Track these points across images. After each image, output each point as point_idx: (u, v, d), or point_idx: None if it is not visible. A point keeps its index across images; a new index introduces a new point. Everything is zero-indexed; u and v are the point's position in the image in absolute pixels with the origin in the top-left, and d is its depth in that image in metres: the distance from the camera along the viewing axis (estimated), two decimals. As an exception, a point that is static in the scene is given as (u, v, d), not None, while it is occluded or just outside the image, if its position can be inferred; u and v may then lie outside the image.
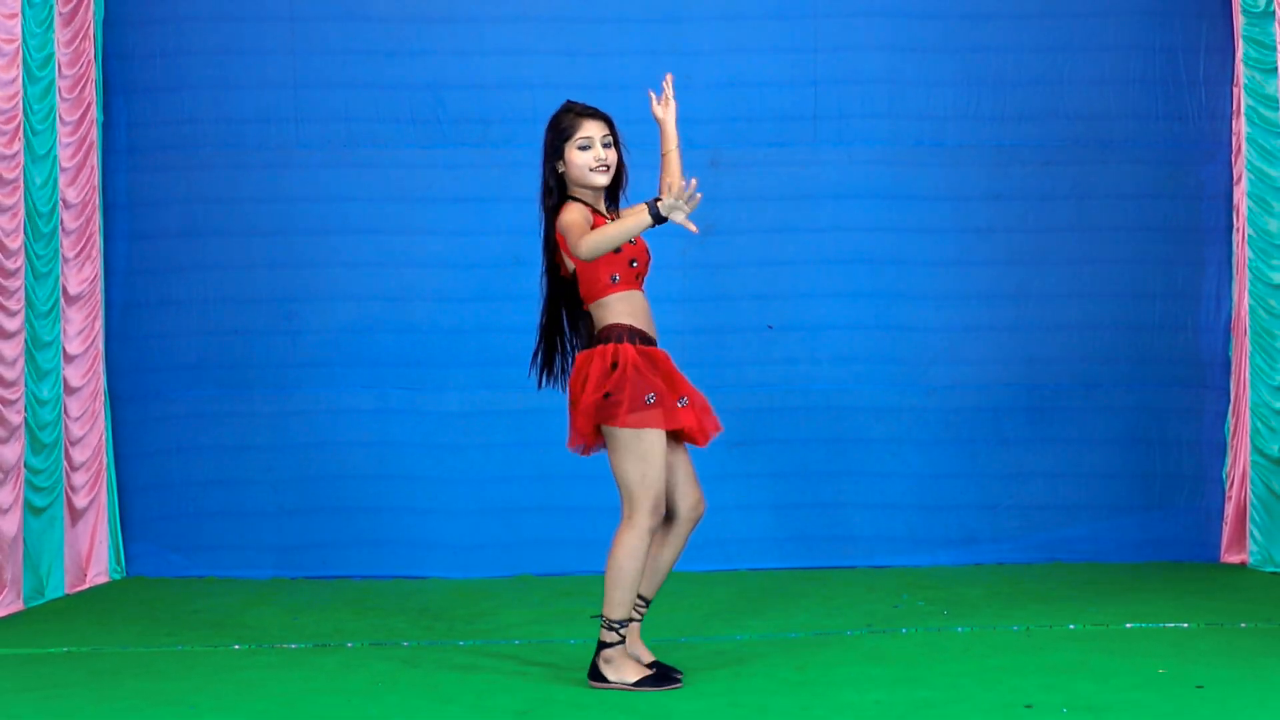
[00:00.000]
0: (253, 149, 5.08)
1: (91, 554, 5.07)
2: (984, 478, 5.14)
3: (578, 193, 3.57)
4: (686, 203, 3.30)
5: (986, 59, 5.14)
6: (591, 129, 3.53)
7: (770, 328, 5.12)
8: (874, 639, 4.11)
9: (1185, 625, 4.18)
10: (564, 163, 3.54)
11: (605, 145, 3.54)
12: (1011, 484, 5.14)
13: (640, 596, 3.57)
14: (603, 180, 3.52)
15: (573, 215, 3.47)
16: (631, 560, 3.43)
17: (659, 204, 3.33)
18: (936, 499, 5.15)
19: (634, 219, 3.36)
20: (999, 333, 5.16)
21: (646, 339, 3.51)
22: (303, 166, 5.08)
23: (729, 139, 5.13)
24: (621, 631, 3.49)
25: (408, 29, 5.05)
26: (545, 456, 4.87)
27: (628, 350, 3.43)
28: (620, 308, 3.49)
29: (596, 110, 3.57)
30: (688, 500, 3.52)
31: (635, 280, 3.52)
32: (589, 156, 3.52)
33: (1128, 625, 4.16)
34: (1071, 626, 4.17)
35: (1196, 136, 5.12)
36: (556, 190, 3.56)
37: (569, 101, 3.61)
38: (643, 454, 3.39)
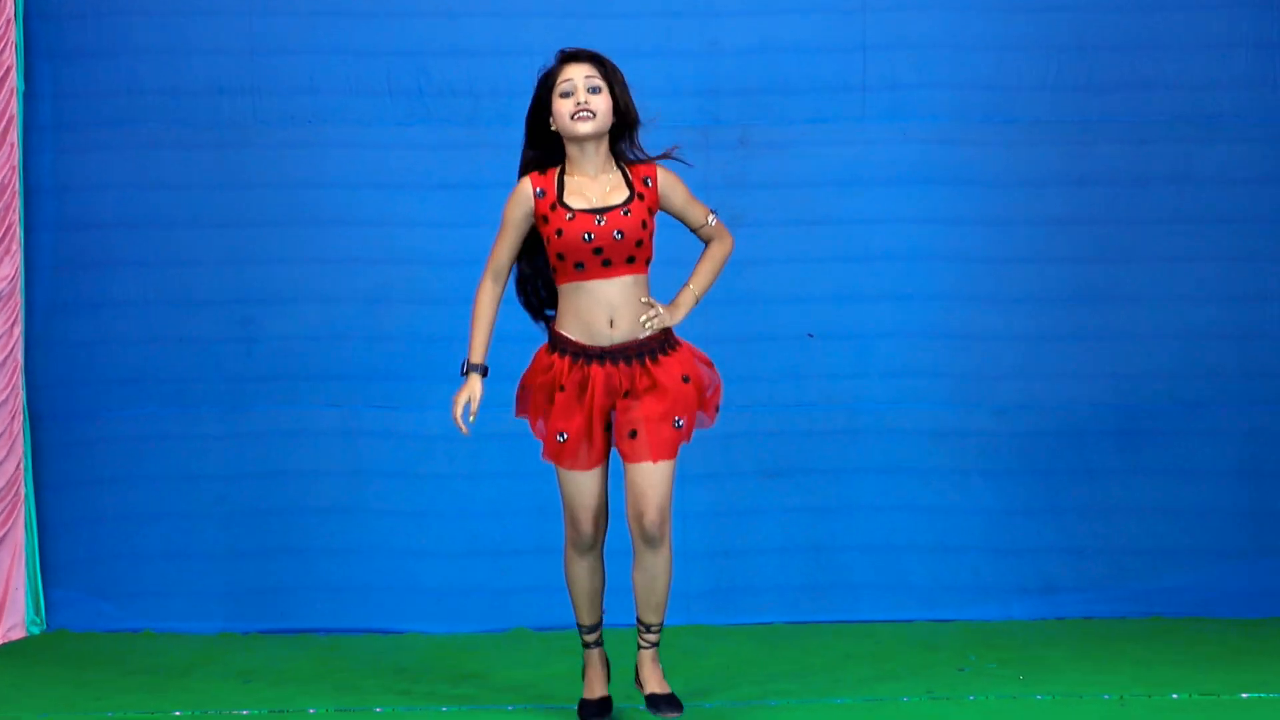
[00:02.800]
0: (202, 125, 5.01)
1: (4, 602, 4.99)
2: (1065, 514, 5.03)
3: (571, 152, 3.63)
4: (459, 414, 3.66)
5: (1067, 19, 5.02)
6: (572, 71, 3.56)
7: (810, 336, 5.04)
8: (936, 707, 4.00)
9: (1316, 695, 4.04)
10: (554, 119, 3.61)
11: (592, 90, 3.55)
12: (1098, 523, 5.05)
13: (640, 622, 3.77)
14: (585, 128, 3.54)
15: (506, 209, 3.66)
16: (568, 572, 3.80)
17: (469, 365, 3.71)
18: (1008, 540, 5.04)
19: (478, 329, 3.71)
20: (1082, 342, 5.04)
21: (584, 351, 3.60)
22: (262, 146, 4.99)
23: (761, 114, 5.03)
24: (586, 638, 3.85)
25: None
26: (544, 487, 4.57)
27: (534, 368, 3.67)
28: (564, 305, 3.63)
29: (581, 50, 3.61)
30: (632, 515, 3.64)
31: (590, 271, 3.58)
32: (569, 103, 3.54)
33: (1243, 695, 4.04)
34: (1174, 696, 4.06)
35: (1319, 110, 5.05)
36: (535, 155, 3.67)
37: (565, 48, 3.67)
38: (560, 479, 3.69)
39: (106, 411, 5.05)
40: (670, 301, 3.68)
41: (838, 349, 5.05)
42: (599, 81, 3.57)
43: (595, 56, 3.59)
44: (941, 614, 5.03)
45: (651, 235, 3.63)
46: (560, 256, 3.58)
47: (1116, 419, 5.06)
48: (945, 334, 5.07)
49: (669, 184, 3.67)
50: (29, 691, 4.25)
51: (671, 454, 3.61)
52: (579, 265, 3.57)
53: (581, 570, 3.76)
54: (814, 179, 5.05)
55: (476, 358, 3.64)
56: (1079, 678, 4.23)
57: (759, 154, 5.05)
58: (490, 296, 3.68)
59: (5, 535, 4.95)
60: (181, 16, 5.00)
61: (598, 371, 3.59)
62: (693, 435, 3.68)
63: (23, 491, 5.00)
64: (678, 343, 3.71)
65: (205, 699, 4.15)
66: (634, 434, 3.58)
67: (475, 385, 3.63)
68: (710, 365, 3.76)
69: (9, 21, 4.87)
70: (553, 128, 3.60)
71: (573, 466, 3.63)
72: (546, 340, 3.71)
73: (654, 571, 3.66)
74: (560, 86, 3.55)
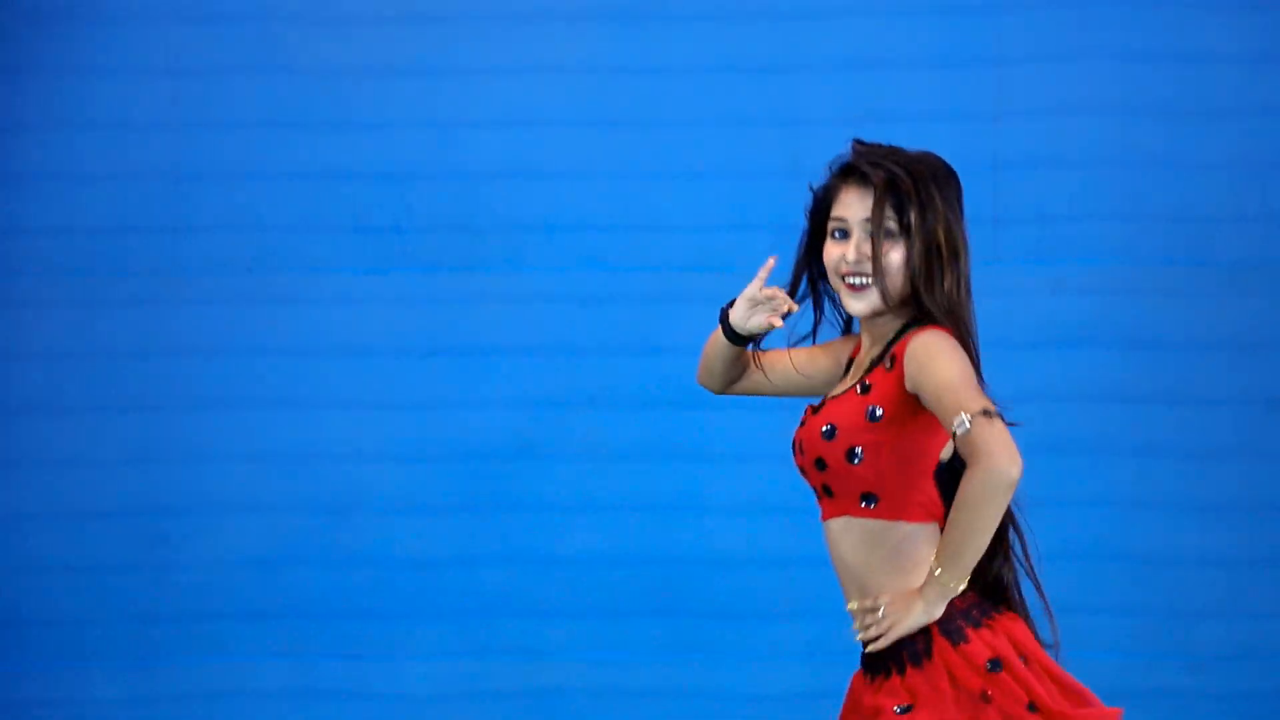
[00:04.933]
0: (106, 274, 4.59)
1: None
2: None
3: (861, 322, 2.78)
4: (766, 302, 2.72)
5: (1276, 125, 4.51)
6: (851, 200, 2.64)
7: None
8: None
9: None
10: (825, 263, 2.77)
11: (887, 234, 2.63)
12: None
13: None
14: (856, 306, 2.64)
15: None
16: None
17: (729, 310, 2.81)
18: None
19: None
20: None
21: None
22: (185, 301, 4.54)
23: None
24: None
25: (353, 86, 4.57)
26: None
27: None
28: None
29: (874, 158, 2.67)
30: None
31: (821, 504, 2.70)
32: (837, 255, 2.64)
33: None
34: None
35: None
36: (818, 314, 2.81)
37: (855, 142, 2.80)
38: None
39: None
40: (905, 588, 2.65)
41: None
42: (893, 222, 2.61)
43: (892, 179, 2.64)
44: None
45: (876, 452, 2.64)
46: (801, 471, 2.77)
47: None
48: (1120, 553, 4.55)
49: (920, 363, 2.60)
50: None
51: None
52: (813, 493, 2.73)
53: None
54: None
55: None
56: None
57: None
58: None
59: None
60: (79, 131, 4.59)
61: (853, 681, 2.69)
62: None
63: None
64: (929, 652, 2.63)
65: None
66: None
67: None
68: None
69: None
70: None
71: None
72: None
73: None
74: (834, 220, 2.65)
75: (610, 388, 4.39)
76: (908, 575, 2.54)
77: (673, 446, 4.35)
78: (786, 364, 2.78)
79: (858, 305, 2.59)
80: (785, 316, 2.66)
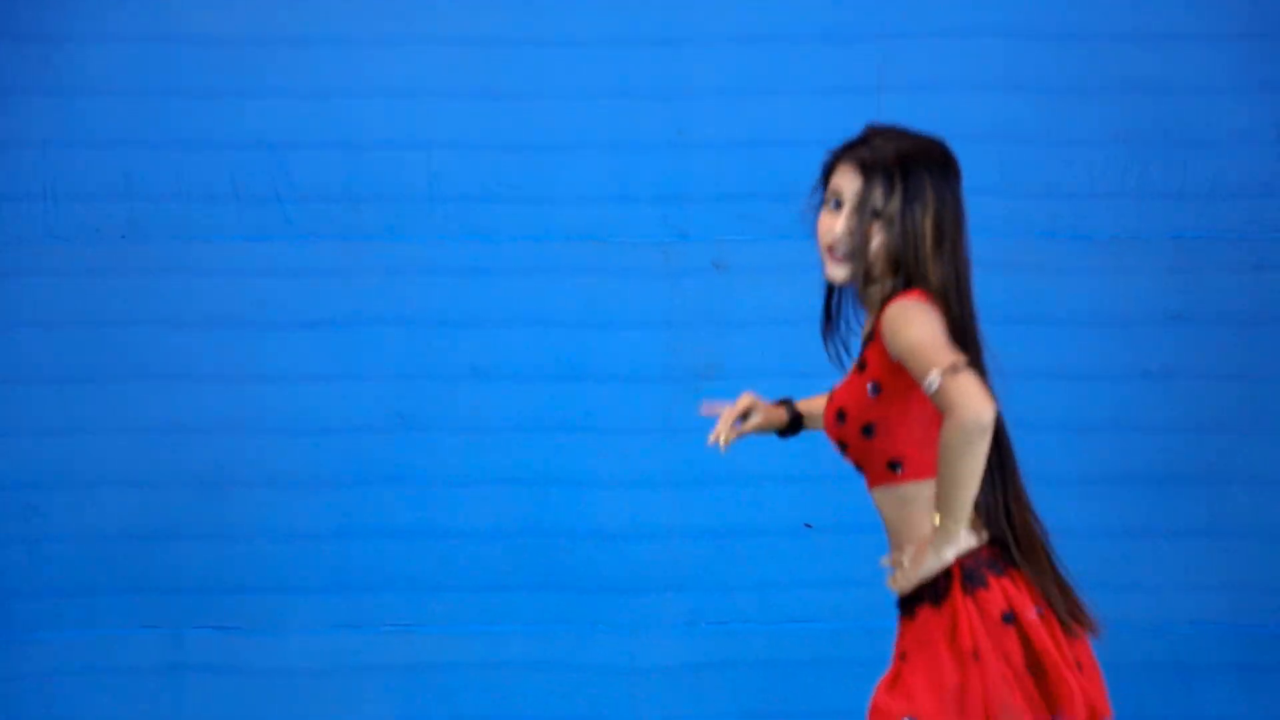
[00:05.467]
0: None
1: None
2: None
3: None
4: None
5: (1158, 101, 4.58)
6: (837, 178, 2.79)
7: (809, 526, 4.60)
8: None
9: None
10: None
11: (873, 214, 2.76)
12: None
13: None
14: (835, 274, 2.78)
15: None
16: None
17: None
18: None
19: None
20: (1186, 539, 4.57)
21: None
22: (55, 271, 4.49)
23: (739, 228, 4.65)
24: None
25: (233, 54, 4.54)
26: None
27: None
28: None
29: (875, 145, 2.79)
30: None
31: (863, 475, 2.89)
32: (826, 225, 2.81)
33: None
34: None
35: None
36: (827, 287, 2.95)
37: (869, 125, 2.94)
38: None
39: None
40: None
41: (849, 546, 4.49)
42: (880, 206, 2.72)
43: (884, 165, 2.74)
44: None
45: (888, 422, 2.74)
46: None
47: (1235, 646, 4.57)
48: None
49: (891, 331, 2.72)
50: None
51: None
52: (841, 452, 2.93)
53: None
54: (812, 314, 4.21)
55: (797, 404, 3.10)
56: None
57: (740, 280, 4.62)
58: None
59: None
60: None
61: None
62: None
63: None
64: (949, 590, 2.74)
65: None
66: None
67: (771, 412, 3.07)
68: (981, 665, 2.68)
69: None
70: None
71: None
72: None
73: None
74: (829, 191, 2.82)
75: (491, 360, 4.42)
76: (910, 524, 2.74)
77: (553, 419, 4.41)
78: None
79: (834, 274, 2.76)
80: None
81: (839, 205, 2.76)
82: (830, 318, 2.92)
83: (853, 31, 4.59)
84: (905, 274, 2.74)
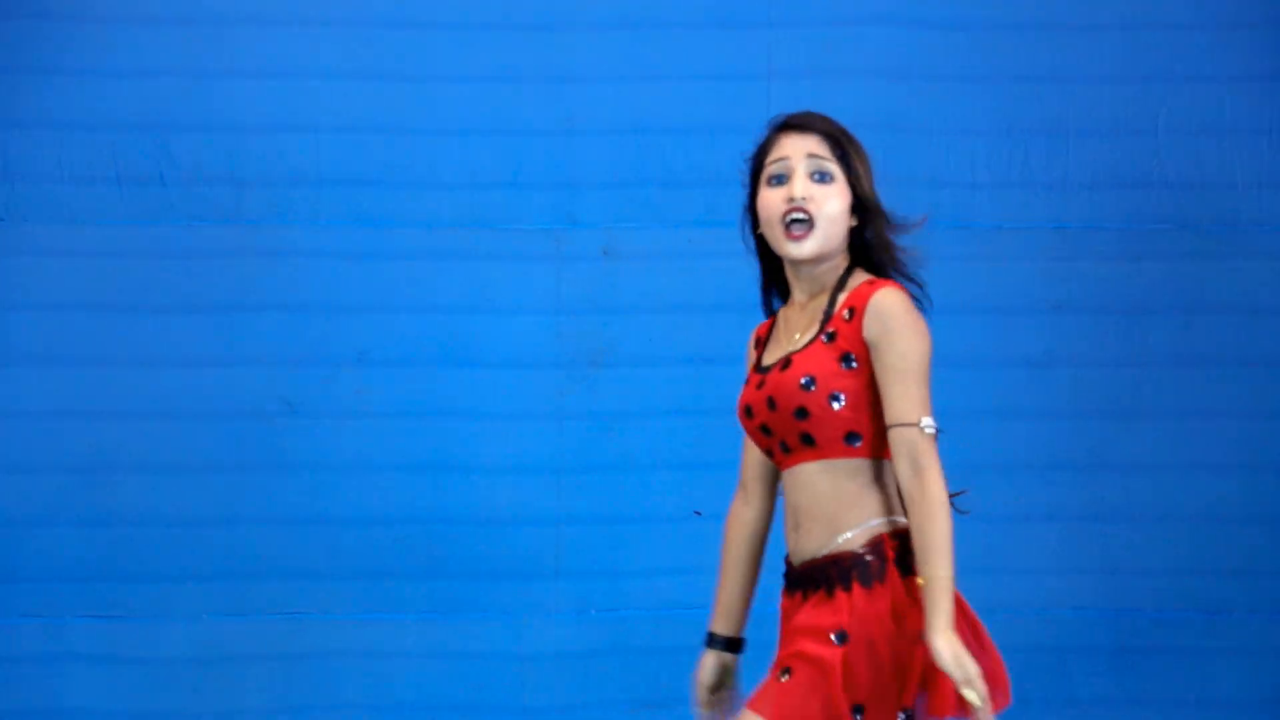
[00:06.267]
0: None
1: None
2: None
3: (787, 267, 2.82)
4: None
5: (1039, 91, 4.66)
6: (788, 145, 2.75)
7: (699, 514, 4.61)
8: None
9: None
10: (760, 217, 2.84)
11: (818, 178, 2.73)
12: None
13: None
14: (799, 251, 2.72)
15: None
16: None
17: None
18: None
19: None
20: (1064, 524, 4.63)
21: (786, 574, 2.86)
22: None
23: (631, 214, 4.66)
24: None
25: (112, 32, 4.53)
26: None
27: None
28: None
29: (807, 114, 2.81)
30: None
31: (778, 458, 2.81)
32: (778, 199, 2.73)
33: None
34: None
35: (1361, 218, 4.89)
36: (763, 278, 2.90)
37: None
38: None
39: None
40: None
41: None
42: (831, 164, 2.73)
43: (827, 126, 2.77)
44: None
45: (856, 393, 2.72)
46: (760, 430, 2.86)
47: (1110, 630, 4.67)
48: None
49: (880, 326, 2.71)
50: None
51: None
52: (766, 452, 2.82)
53: None
54: (703, 302, 4.62)
55: (714, 623, 2.93)
56: None
57: (628, 266, 4.63)
58: (736, 524, 2.92)
59: None
60: None
61: (782, 602, 2.84)
62: None
63: None
64: (884, 575, 2.75)
65: None
66: (786, 671, 2.72)
67: (704, 663, 2.93)
68: (982, 645, 2.77)
69: None
70: (759, 229, 2.80)
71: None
72: None
73: None
74: (770, 167, 2.74)
75: (378, 346, 4.41)
76: (874, 504, 2.74)
77: (441, 405, 4.41)
78: (761, 461, 2.89)
79: (798, 250, 2.71)
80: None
81: (781, 179, 2.75)
82: (768, 301, 2.91)
83: (743, 18, 4.60)
84: (864, 243, 2.77)
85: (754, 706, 2.73)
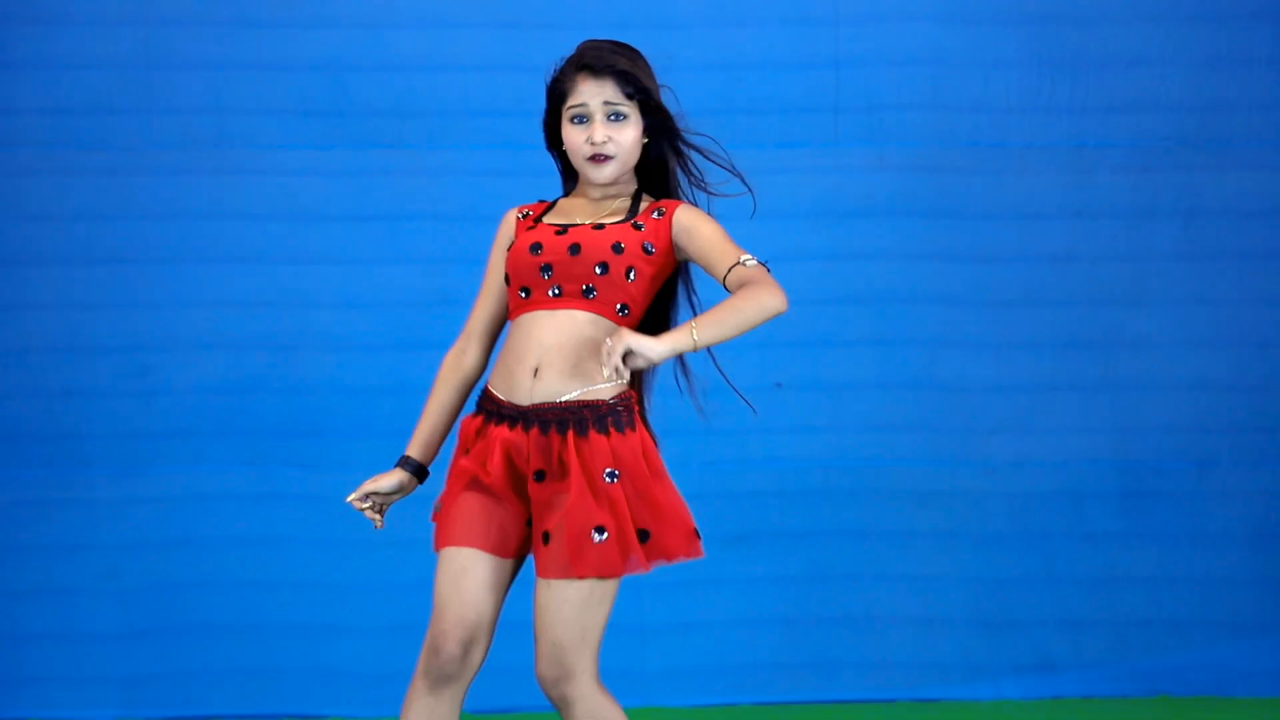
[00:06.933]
0: (89, 148, 4.94)
1: None
2: (1062, 584, 5.04)
3: (583, 181, 3.01)
4: None
5: (1063, 31, 5.01)
6: (586, 91, 2.93)
7: (779, 386, 5.07)
8: None
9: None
10: (565, 144, 3.01)
11: (613, 118, 2.94)
12: (1099, 593, 5.08)
13: None
14: (603, 175, 2.94)
15: (492, 246, 3.07)
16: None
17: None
18: (1000, 612, 5.06)
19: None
20: (1081, 393, 5.03)
21: (497, 410, 2.89)
22: (157, 172, 4.90)
23: (722, 137, 4.73)
24: None
25: None
26: (482, 558, 4.62)
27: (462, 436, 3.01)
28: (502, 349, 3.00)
29: (602, 56, 2.96)
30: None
31: (535, 299, 2.92)
32: (580, 137, 2.94)
33: None
34: None
35: (1341, 134, 5.12)
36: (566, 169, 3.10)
37: (586, 41, 3.06)
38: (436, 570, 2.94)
39: (-20, 474, 5.06)
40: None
41: (810, 401, 5.08)
42: (624, 106, 2.93)
43: (619, 71, 2.94)
44: (927, 694, 5.09)
45: (642, 279, 2.93)
46: (507, 280, 2.95)
47: (1119, 478, 5.09)
48: (929, 384, 5.10)
49: (690, 219, 2.96)
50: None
51: (593, 571, 2.80)
52: (524, 290, 2.91)
53: (423, 714, 2.87)
54: (780, 210, 4.84)
55: (411, 449, 3.01)
56: (1080, 768, 4.24)
57: (717, 183, 4.98)
58: (448, 369, 3.01)
59: None
60: (63, 26, 4.94)
61: (498, 435, 2.87)
62: (647, 565, 2.91)
63: (-112, 565, 4.94)
64: (633, 423, 2.90)
65: (99, 800, 4.09)
66: (547, 537, 2.83)
67: (392, 474, 3.01)
68: (665, 480, 2.94)
69: None
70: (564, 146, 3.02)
71: (447, 540, 2.87)
72: None
73: None
74: (571, 109, 2.93)
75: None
76: (588, 348, 2.86)
77: None
78: (492, 311, 3.03)
79: (599, 174, 2.93)
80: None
81: (583, 119, 2.94)
82: (568, 187, 3.07)
83: None
84: (658, 159, 2.99)
85: (538, 569, 2.86)
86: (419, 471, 2.99)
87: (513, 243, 2.96)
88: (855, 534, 5.09)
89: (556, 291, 2.86)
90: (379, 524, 3.00)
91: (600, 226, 2.90)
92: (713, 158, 3.08)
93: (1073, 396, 5.09)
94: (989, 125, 5.08)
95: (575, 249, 2.86)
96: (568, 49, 4.69)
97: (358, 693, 4.99)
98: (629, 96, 2.93)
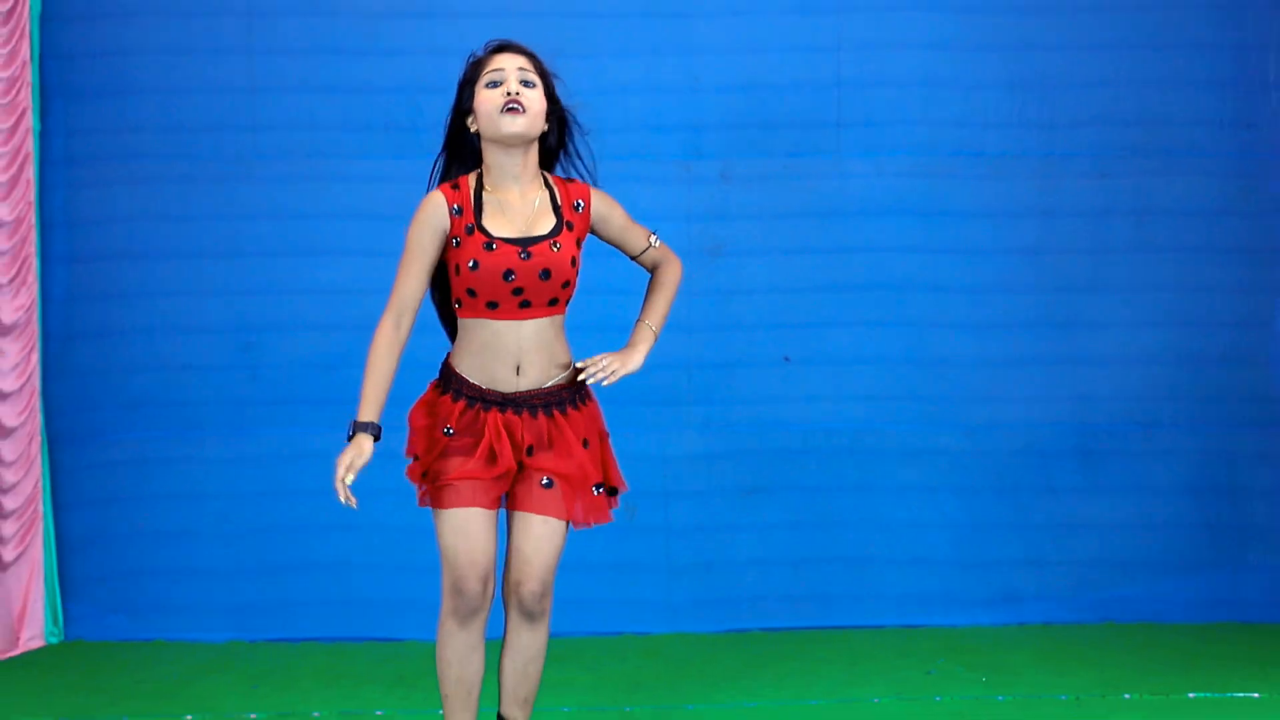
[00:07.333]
0: (205, 160, 5.11)
1: (25, 614, 5.04)
2: (1029, 529, 5.16)
3: (492, 159, 3.02)
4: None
5: (1033, 57, 5.15)
6: (503, 60, 3.02)
7: (788, 360, 5.19)
8: (904, 707, 4.19)
9: (1255, 695, 4.28)
10: (474, 116, 3.05)
11: (526, 84, 3.01)
12: (1059, 536, 5.17)
13: (502, 719, 3.14)
14: (514, 126, 2.96)
15: (411, 231, 3.06)
16: (443, 653, 3.07)
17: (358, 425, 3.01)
18: (975, 552, 5.18)
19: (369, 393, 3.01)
20: (1047, 367, 5.18)
21: (480, 397, 3.03)
22: (261, 180, 5.10)
23: (741, 148, 5.14)
24: None
25: (378, 25, 5.05)
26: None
27: (418, 409, 3.11)
28: (464, 340, 3.06)
29: (514, 43, 3.07)
30: (510, 581, 3.07)
31: (504, 311, 3.00)
32: (497, 94, 2.98)
33: (1190, 695, 4.25)
34: (1126, 696, 4.26)
35: (1270, 145, 5.15)
36: (447, 162, 3.11)
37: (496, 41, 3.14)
38: (441, 528, 3.05)
39: (117, 435, 5.09)
40: (626, 344, 3.12)
41: (815, 373, 5.14)
42: (533, 76, 3.02)
43: (529, 52, 3.07)
44: (911, 621, 5.15)
45: (578, 272, 3.08)
46: (471, 292, 3.00)
47: (1077, 439, 5.17)
48: (918, 359, 5.17)
49: (604, 208, 3.09)
50: (48, 698, 4.40)
51: (592, 517, 3.07)
52: (492, 304, 2.99)
53: (461, 647, 3.00)
54: (792, 211, 5.12)
55: (366, 414, 3.01)
56: (1038, 680, 4.42)
57: (739, 187, 5.10)
58: (388, 342, 3.04)
59: (24, 552, 5.03)
60: (184, 56, 5.04)
61: (492, 418, 3.03)
62: (582, 523, 3.11)
63: (41, 510, 5.07)
64: (589, 396, 3.12)
65: (214, 704, 4.28)
66: (549, 483, 3.02)
67: (364, 446, 3.01)
68: (606, 441, 3.13)
69: (25, 64, 4.91)
70: (472, 128, 3.04)
71: (457, 502, 2.98)
72: (438, 376, 3.14)
73: (528, 654, 3.06)
74: (487, 76, 2.99)
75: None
76: (567, 351, 3.07)
77: (608, 284, 4.41)
78: (421, 286, 3.03)
79: (513, 125, 2.96)
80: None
81: (500, 83, 2.98)
82: (446, 177, 3.09)
83: (821, 5, 5.09)
84: (560, 136, 3.04)
85: (534, 508, 3.00)
86: (378, 431, 3.06)
87: (453, 241, 2.98)
88: (853, 487, 5.19)
89: (525, 304, 3.00)
90: (355, 503, 3.02)
91: (552, 241, 2.96)
92: (579, 145, 3.13)
93: (1040, 370, 5.16)
94: (971, 138, 5.16)
95: (545, 274, 2.97)
96: (609, 73, 4.95)
97: (428, 618, 4.58)
98: (538, 73, 3.05)
